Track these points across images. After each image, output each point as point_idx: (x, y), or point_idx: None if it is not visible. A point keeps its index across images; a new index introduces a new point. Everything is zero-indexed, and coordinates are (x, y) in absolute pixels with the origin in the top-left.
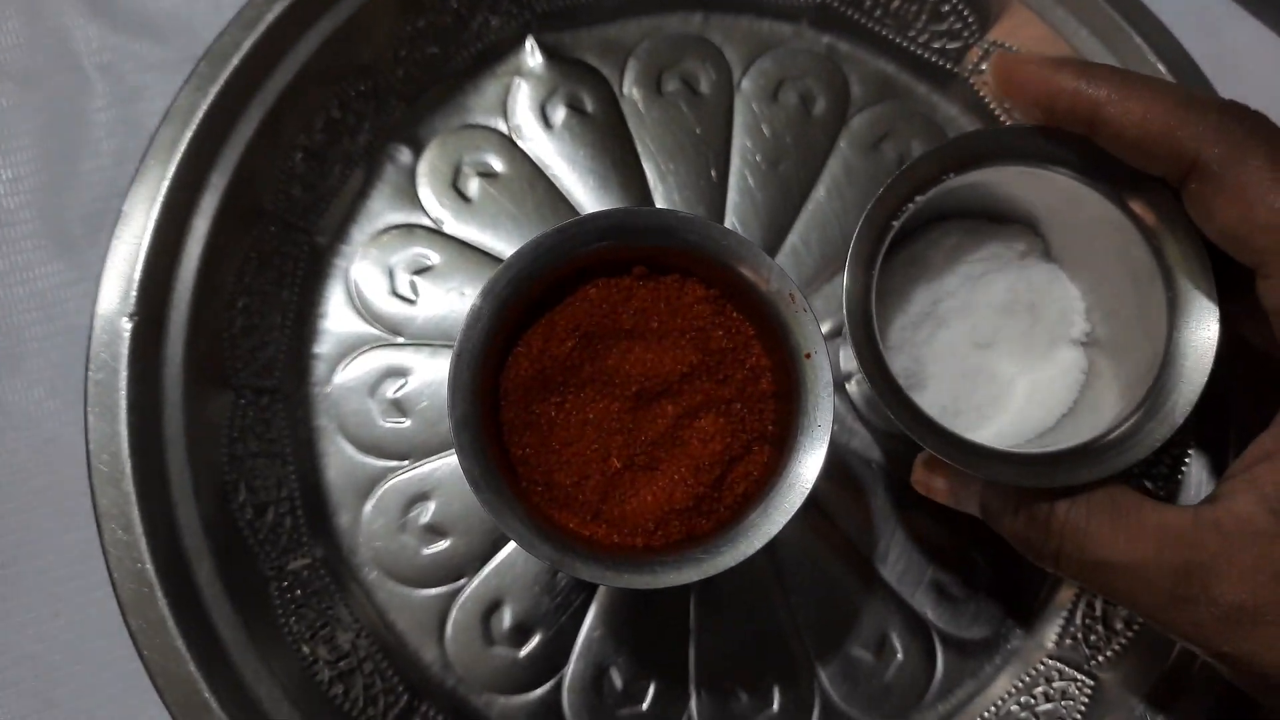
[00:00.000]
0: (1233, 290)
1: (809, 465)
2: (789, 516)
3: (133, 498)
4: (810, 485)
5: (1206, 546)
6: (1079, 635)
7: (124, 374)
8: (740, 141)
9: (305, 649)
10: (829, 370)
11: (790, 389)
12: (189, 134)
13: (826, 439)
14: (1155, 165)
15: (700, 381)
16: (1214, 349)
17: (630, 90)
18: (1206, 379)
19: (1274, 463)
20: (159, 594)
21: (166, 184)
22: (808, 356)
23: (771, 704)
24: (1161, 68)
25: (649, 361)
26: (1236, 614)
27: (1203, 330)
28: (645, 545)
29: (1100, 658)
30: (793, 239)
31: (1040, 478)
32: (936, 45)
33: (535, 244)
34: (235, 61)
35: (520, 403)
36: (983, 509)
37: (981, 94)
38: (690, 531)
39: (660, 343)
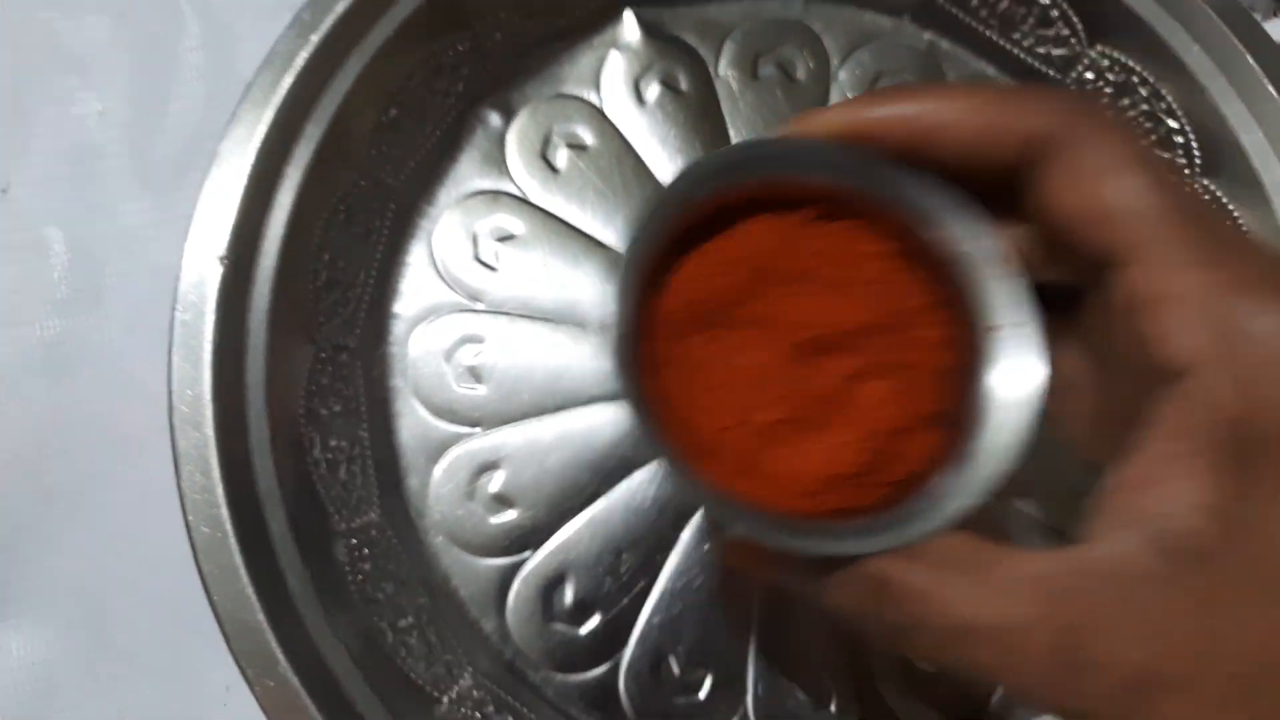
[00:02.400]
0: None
1: (1000, 449)
2: (978, 497)
3: (212, 442)
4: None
5: (1087, 600)
6: None
7: (211, 316)
8: None
9: (370, 608)
10: (1035, 341)
11: (976, 365)
12: (288, 80)
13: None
14: (982, 162)
15: (874, 341)
16: (1038, 397)
17: (726, 72)
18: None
19: (1158, 491)
20: (232, 541)
21: (263, 128)
22: (995, 329)
23: (829, 705)
24: (1272, 90)
25: (820, 310)
26: (1135, 683)
27: (1023, 374)
28: (795, 510)
29: None
30: None
31: (847, 544)
32: (1041, 51)
33: (716, 156)
34: (339, 9)
35: (668, 336)
36: (791, 582)
37: None
38: (849, 503)
39: (834, 292)
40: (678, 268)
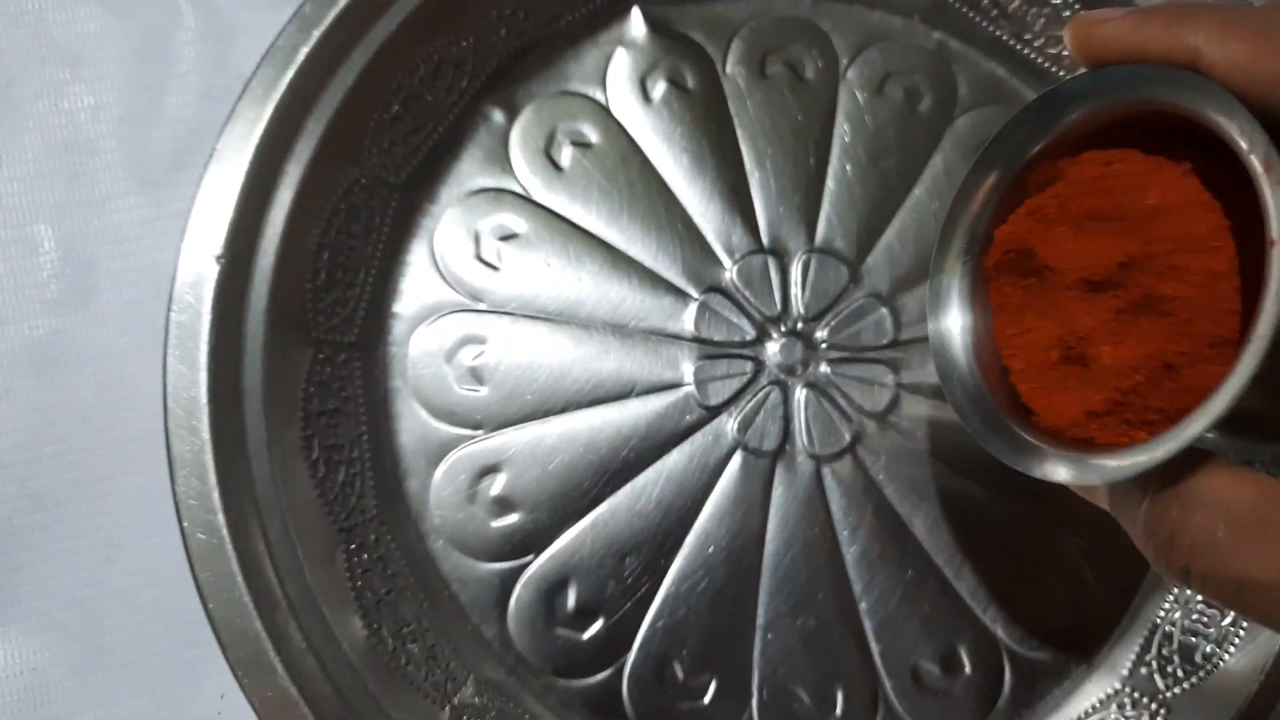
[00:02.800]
0: None
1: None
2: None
3: (208, 446)
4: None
5: None
6: (1155, 664)
7: (207, 317)
8: (841, 132)
9: (370, 614)
10: None
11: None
12: (289, 75)
13: (1258, 350)
14: (1273, 112)
15: (1143, 274)
16: None
17: (734, 70)
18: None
19: None
20: (229, 547)
21: (263, 124)
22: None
23: (834, 708)
24: None
25: (1088, 250)
26: None
27: None
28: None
29: (1177, 689)
30: (888, 236)
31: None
32: (1052, 51)
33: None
34: (342, 3)
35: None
36: (1111, 507)
37: None
38: (1113, 439)
39: (1108, 228)
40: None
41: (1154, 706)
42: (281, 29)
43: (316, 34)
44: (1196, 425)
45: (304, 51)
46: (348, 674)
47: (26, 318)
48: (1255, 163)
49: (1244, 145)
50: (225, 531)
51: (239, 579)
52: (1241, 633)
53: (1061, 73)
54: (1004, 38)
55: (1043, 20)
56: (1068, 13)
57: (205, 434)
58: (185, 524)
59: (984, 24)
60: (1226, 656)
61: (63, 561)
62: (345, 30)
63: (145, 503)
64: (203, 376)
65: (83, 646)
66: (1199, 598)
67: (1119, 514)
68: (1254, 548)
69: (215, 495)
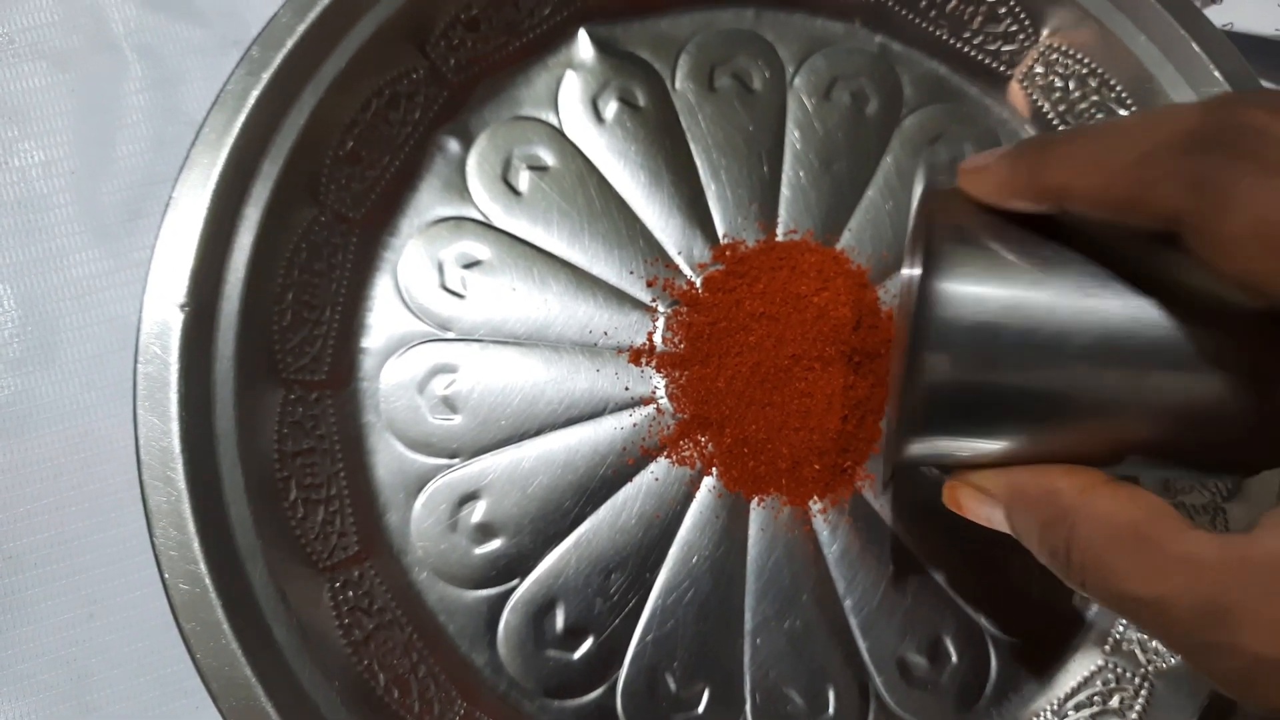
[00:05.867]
0: None
1: None
2: None
3: (185, 496)
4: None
5: (1232, 587)
6: (1136, 639)
7: (175, 366)
8: (792, 139)
9: (360, 652)
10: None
11: None
12: (241, 119)
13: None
14: (1143, 227)
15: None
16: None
17: (683, 85)
18: None
19: None
20: (213, 596)
21: (218, 170)
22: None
23: (827, 708)
24: (1218, 74)
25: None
26: (1265, 666)
27: None
28: None
29: (1161, 663)
30: (846, 238)
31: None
32: (991, 48)
33: None
34: (289, 45)
35: None
36: (1012, 529)
37: (1035, 98)
38: None
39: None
40: None
41: (1137, 681)
42: (230, 73)
43: (266, 76)
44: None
45: (254, 94)
46: (341, 714)
47: None
48: None
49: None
50: (208, 580)
51: (225, 627)
52: None
53: (1001, 68)
54: (944, 37)
55: (980, 18)
56: (1002, 9)
57: (181, 484)
58: (166, 575)
59: (923, 25)
60: None
61: (45, 622)
62: (294, 71)
63: (124, 556)
64: (174, 426)
65: (71, 706)
66: None
67: (1020, 533)
68: (1132, 564)
69: (195, 545)
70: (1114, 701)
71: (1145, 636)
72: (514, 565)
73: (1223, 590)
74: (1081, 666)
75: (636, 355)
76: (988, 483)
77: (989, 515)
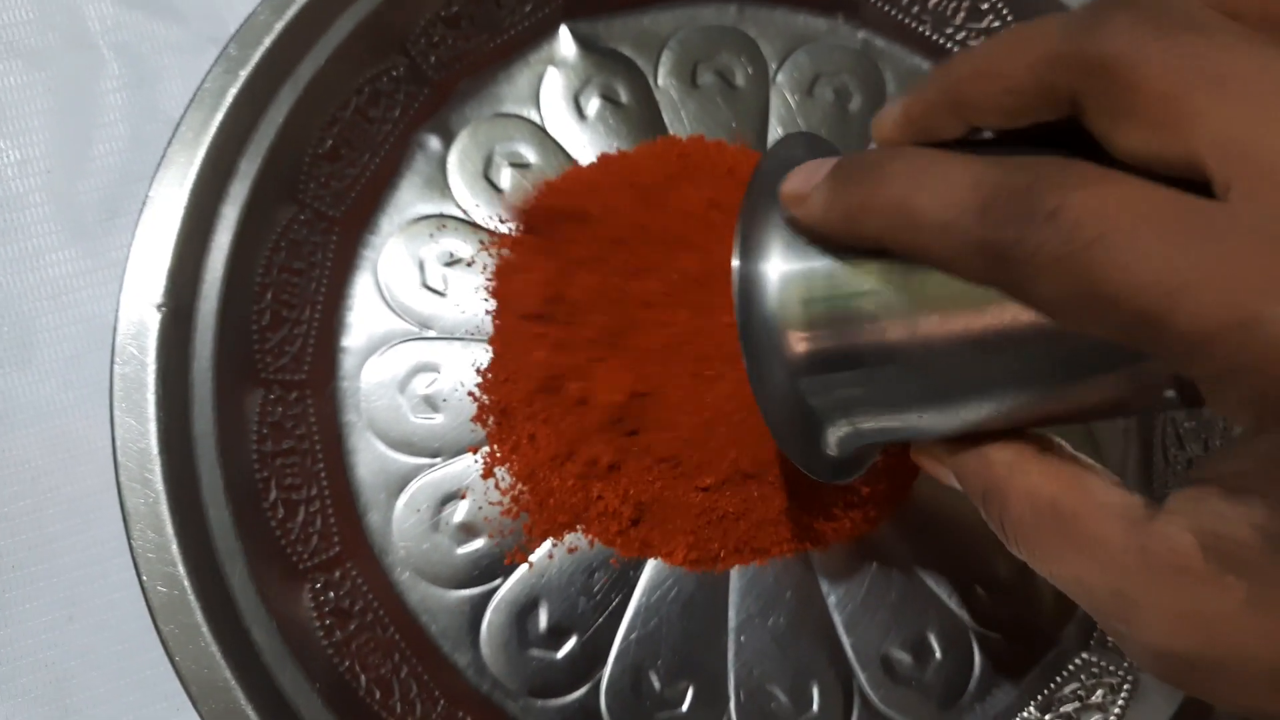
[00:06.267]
0: None
1: None
2: None
3: (163, 497)
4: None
5: (1134, 576)
6: None
7: (152, 367)
8: (776, 135)
9: (342, 653)
10: None
11: None
12: (219, 118)
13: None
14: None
15: None
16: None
17: (665, 82)
18: None
19: (1221, 491)
20: (191, 598)
21: (196, 168)
22: None
23: (811, 705)
24: None
25: None
26: (1168, 659)
27: None
28: None
29: None
30: None
31: None
32: (974, 43)
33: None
34: (267, 43)
35: None
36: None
37: None
38: None
39: None
40: None
41: (1120, 675)
42: (208, 71)
43: (244, 74)
44: None
45: (232, 93)
46: (322, 716)
47: None
48: None
49: None
50: (186, 583)
51: (204, 629)
52: None
53: None
54: (926, 33)
55: (963, 14)
56: (985, 4)
57: (159, 485)
58: (144, 578)
59: (906, 21)
60: None
61: (23, 624)
62: (273, 69)
63: (102, 558)
64: (152, 427)
65: (50, 709)
66: None
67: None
68: (1053, 544)
69: (174, 547)
70: (1096, 697)
71: None
72: (496, 565)
73: (1125, 578)
74: (1065, 662)
75: None
76: (939, 451)
77: (948, 480)
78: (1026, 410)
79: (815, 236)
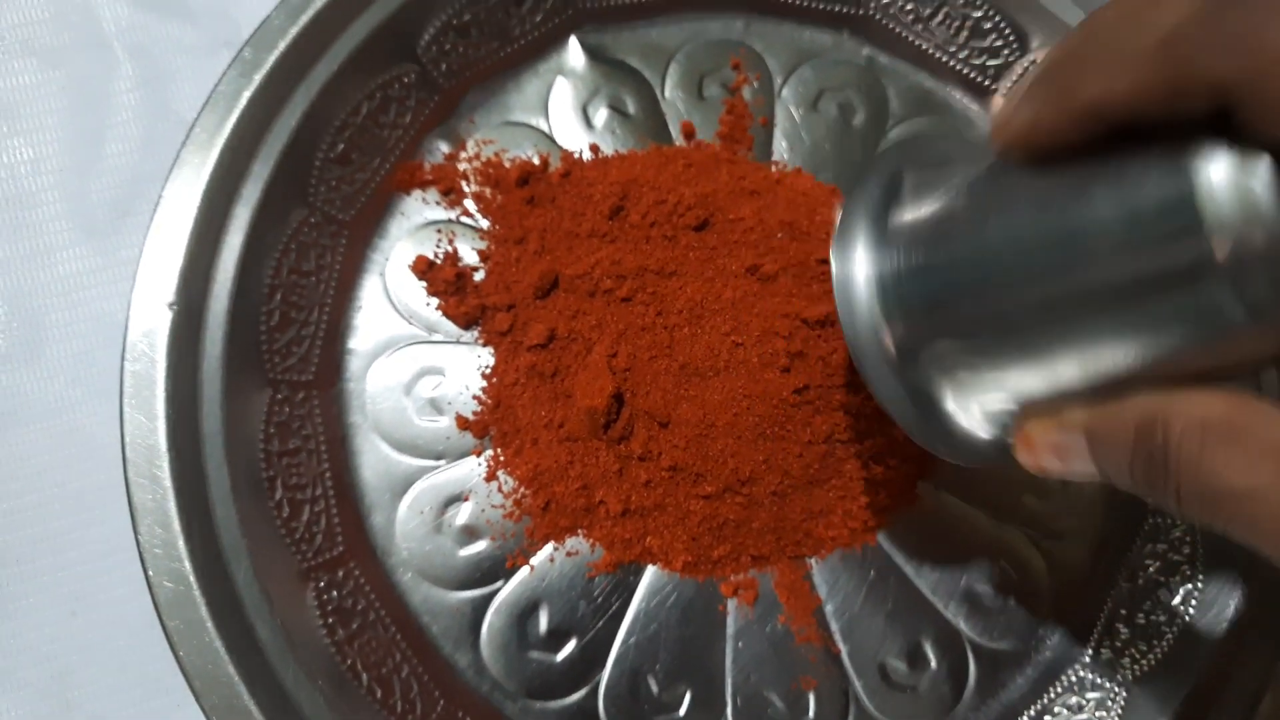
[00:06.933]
0: None
1: None
2: None
3: (171, 494)
4: None
5: None
6: (1114, 646)
7: (162, 365)
8: (780, 149)
9: (344, 651)
10: None
11: None
12: (232, 120)
13: None
14: (1193, 112)
15: None
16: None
17: (672, 94)
18: None
19: None
20: (197, 593)
21: (209, 169)
22: None
23: (807, 711)
24: None
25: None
26: None
27: None
28: None
29: (1136, 669)
30: None
31: None
32: (977, 62)
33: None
34: (281, 47)
35: None
36: (1098, 466)
37: None
38: None
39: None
40: None
41: (1113, 689)
42: (223, 73)
43: (258, 77)
44: None
45: (246, 95)
46: (323, 714)
47: None
48: None
49: None
50: (192, 579)
51: (209, 625)
52: (1191, 611)
53: (986, 81)
54: (931, 51)
55: (966, 34)
56: (988, 24)
57: (167, 481)
58: (151, 573)
59: (910, 38)
60: (1171, 636)
61: (27, 618)
62: (286, 72)
63: (107, 554)
64: (161, 424)
65: (52, 703)
66: (1151, 581)
67: (1104, 460)
68: (1229, 457)
69: (180, 543)
70: (1090, 708)
71: (1122, 645)
72: (497, 567)
73: None
74: (1059, 673)
75: None
76: (1065, 413)
77: (1067, 447)
78: (1173, 360)
79: (1034, 138)
